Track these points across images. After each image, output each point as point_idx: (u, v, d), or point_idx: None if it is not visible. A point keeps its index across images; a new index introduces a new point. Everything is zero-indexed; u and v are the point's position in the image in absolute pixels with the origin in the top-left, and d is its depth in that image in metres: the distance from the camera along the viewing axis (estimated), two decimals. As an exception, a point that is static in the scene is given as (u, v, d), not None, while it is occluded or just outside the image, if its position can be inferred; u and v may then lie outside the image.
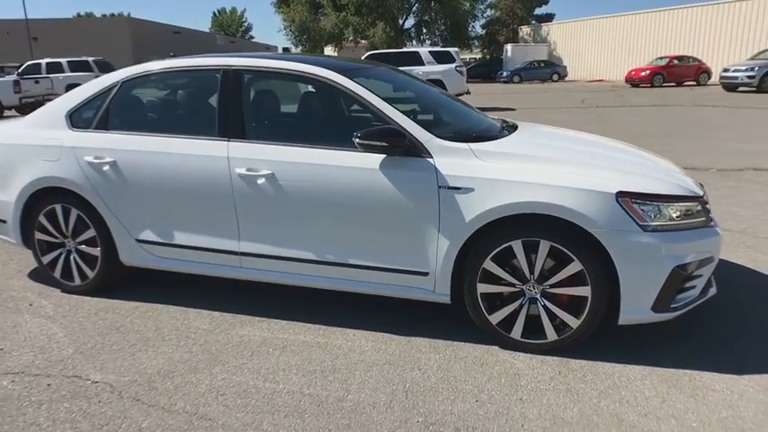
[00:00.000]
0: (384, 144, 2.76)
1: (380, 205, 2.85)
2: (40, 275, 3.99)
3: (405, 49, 20.79)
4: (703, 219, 2.73)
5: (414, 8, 43.58)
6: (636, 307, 2.62)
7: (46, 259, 3.65)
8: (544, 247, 2.64)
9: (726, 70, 21.75)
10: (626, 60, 33.61)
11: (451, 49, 17.08)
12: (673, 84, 26.88)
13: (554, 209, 2.58)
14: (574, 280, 2.65)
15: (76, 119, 3.51)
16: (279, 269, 3.15)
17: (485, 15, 49.48)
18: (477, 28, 49.71)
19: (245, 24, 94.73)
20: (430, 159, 2.79)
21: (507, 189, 2.65)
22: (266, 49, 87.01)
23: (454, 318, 3.13)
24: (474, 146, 2.84)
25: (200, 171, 3.13)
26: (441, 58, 16.83)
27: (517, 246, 2.68)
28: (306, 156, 2.98)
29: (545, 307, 2.73)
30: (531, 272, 2.71)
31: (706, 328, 3.00)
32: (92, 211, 3.43)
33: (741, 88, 21.09)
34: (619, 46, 35.53)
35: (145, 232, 3.36)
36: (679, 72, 26.97)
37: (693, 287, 2.71)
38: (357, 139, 2.80)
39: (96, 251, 3.51)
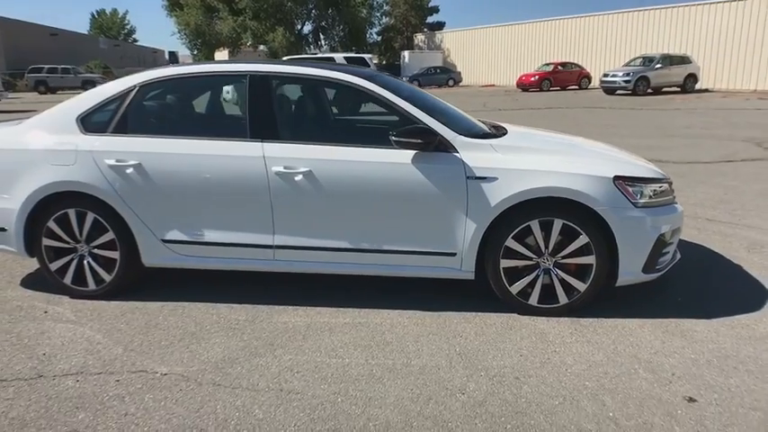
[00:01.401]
0: (419, 141, 3.13)
1: (412, 195, 3.20)
2: (35, 283, 3.89)
3: (320, 54, 21.03)
4: (671, 197, 3.38)
5: (312, 14, 43.78)
6: (630, 270, 3.20)
7: (54, 266, 3.58)
8: (557, 224, 3.14)
9: (606, 75, 24.31)
10: (515, 67, 36.21)
11: (366, 56, 17.69)
12: (558, 88, 29.45)
13: (566, 192, 3.09)
14: (581, 251, 3.18)
15: (89, 123, 3.50)
16: (314, 259, 3.39)
17: (381, 23, 50.92)
18: (374, 35, 51.03)
19: (128, 27, 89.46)
20: (456, 154, 3.20)
21: (526, 177, 3.12)
22: (153, 54, 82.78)
23: (473, 293, 3.55)
24: (492, 141, 3.29)
25: (235, 170, 3.29)
26: (355, 63, 17.33)
27: (534, 225, 3.16)
28: (341, 153, 3.26)
29: (557, 276, 3.24)
30: (546, 246, 3.20)
31: (677, 286, 3.66)
32: (111, 213, 3.44)
33: (619, 91, 23.70)
34: (508, 53, 38.18)
35: (172, 232, 3.44)
36: (563, 77, 29.62)
37: (668, 252, 3.35)
38: (393, 137, 3.14)
39: (115, 254, 3.51)
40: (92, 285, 3.58)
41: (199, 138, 3.40)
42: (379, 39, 52.74)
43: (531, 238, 3.21)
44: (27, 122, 3.67)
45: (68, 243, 3.55)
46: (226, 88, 4.07)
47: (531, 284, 3.27)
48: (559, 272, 3.23)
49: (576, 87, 29.86)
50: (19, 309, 3.50)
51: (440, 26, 56.41)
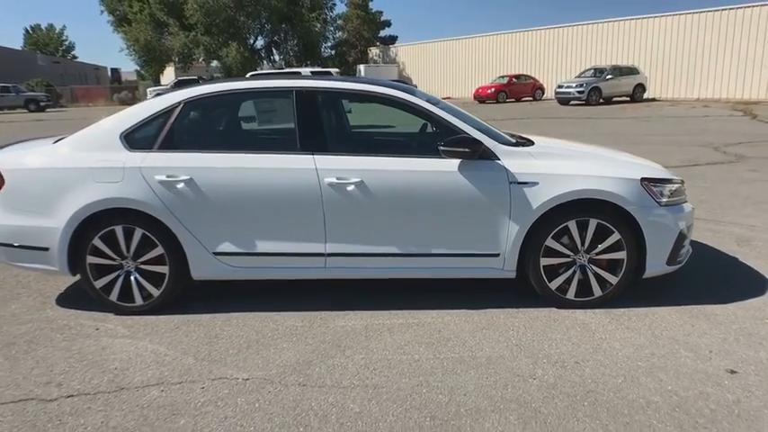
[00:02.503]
0: (466, 150, 3.37)
1: (458, 201, 3.43)
2: (72, 302, 3.89)
3: (287, 70, 21.07)
4: (684, 196, 3.74)
5: (265, 28, 43.69)
6: (656, 263, 3.52)
7: (99, 283, 3.60)
8: (592, 224, 3.44)
9: (560, 86, 25.39)
10: (471, 79, 37.22)
11: (332, 70, 17.87)
12: (513, 100, 30.48)
13: (601, 194, 3.39)
14: (613, 247, 3.48)
15: (133, 140, 3.56)
16: (364, 265, 3.56)
17: (334, 37, 51.32)
18: (328, 49, 51.31)
19: (66, 43, 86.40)
20: (499, 161, 3.45)
21: (564, 181, 3.40)
22: (95, 71, 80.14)
23: (508, 291, 3.80)
24: (530, 149, 3.56)
25: (287, 183, 3.43)
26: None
27: (572, 224, 3.44)
28: (390, 163, 3.45)
29: (592, 271, 3.52)
30: (582, 244, 3.49)
31: (688, 277, 4.02)
32: (160, 229, 3.50)
33: (573, 102, 24.80)
34: (464, 66, 39.22)
35: (223, 245, 3.53)
36: (518, 89, 30.69)
37: (686, 246, 3.70)
38: (442, 147, 3.36)
39: (163, 269, 3.57)
40: (139, 301, 3.62)
41: (248, 152, 3.52)
42: (333, 53, 53.09)
43: (566, 237, 3.49)
44: (66, 141, 3.69)
45: (114, 260, 3.58)
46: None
47: (568, 280, 3.54)
48: (594, 267, 3.52)
49: (531, 99, 30.99)
50: (67, 327, 3.50)
51: (392, 40, 57.21)
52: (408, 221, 3.47)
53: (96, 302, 3.66)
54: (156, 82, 46.49)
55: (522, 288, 3.73)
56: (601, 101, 24.45)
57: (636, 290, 3.71)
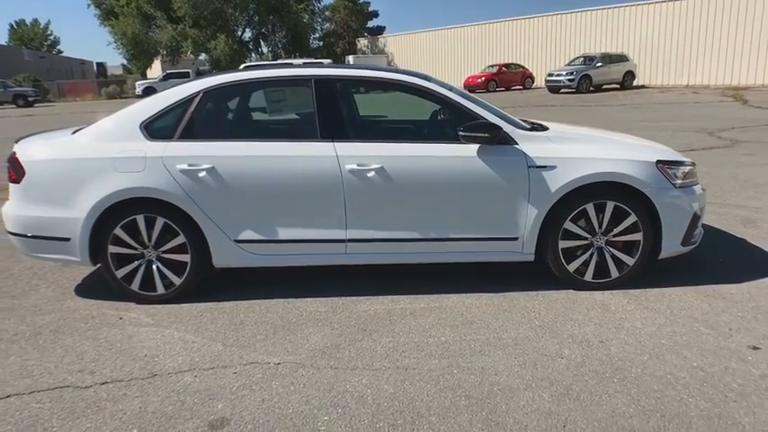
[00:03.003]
0: (486, 135, 3.40)
1: (478, 186, 3.47)
2: (92, 292, 3.90)
3: (279, 61, 20.93)
4: (696, 178, 3.81)
5: (254, 20, 43.33)
6: (671, 244, 3.59)
7: (120, 273, 3.61)
8: (610, 206, 3.49)
9: (550, 75, 25.48)
10: (461, 69, 37.19)
11: (324, 61, 17.78)
12: (503, 88, 30.53)
13: (619, 176, 3.44)
14: (629, 229, 3.54)
15: (153, 129, 3.56)
16: (385, 251, 3.59)
17: (322, 28, 51.04)
18: (315, 40, 51.03)
19: (51, 38, 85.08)
20: (517, 146, 3.49)
21: (582, 164, 3.45)
22: (81, 65, 79.01)
23: (525, 275, 3.85)
24: (546, 134, 3.60)
25: (308, 170, 3.45)
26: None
27: (590, 207, 3.50)
28: (410, 150, 3.49)
29: (609, 252, 3.59)
30: (600, 226, 3.54)
31: (699, 257, 4.10)
32: (182, 217, 3.51)
33: (563, 90, 24.90)
34: (453, 56, 39.19)
35: (245, 232, 3.54)
36: (508, 78, 30.74)
37: (698, 227, 3.77)
38: (462, 132, 3.40)
39: (185, 257, 3.58)
40: (161, 290, 3.63)
41: (268, 140, 3.54)
42: (321, 44, 52.81)
43: (583, 220, 3.55)
44: (85, 132, 3.68)
45: (136, 249, 3.59)
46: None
47: (586, 262, 3.60)
48: (611, 249, 3.59)
49: (521, 87, 31.06)
50: (91, 317, 3.51)
51: (380, 30, 57.01)
52: (428, 207, 3.51)
53: (116, 292, 3.67)
54: (143, 76, 46.01)
55: (537, 271, 3.79)
56: (591, 88, 24.58)
57: (650, 271, 3.79)
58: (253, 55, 46.12)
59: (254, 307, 3.56)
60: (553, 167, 3.45)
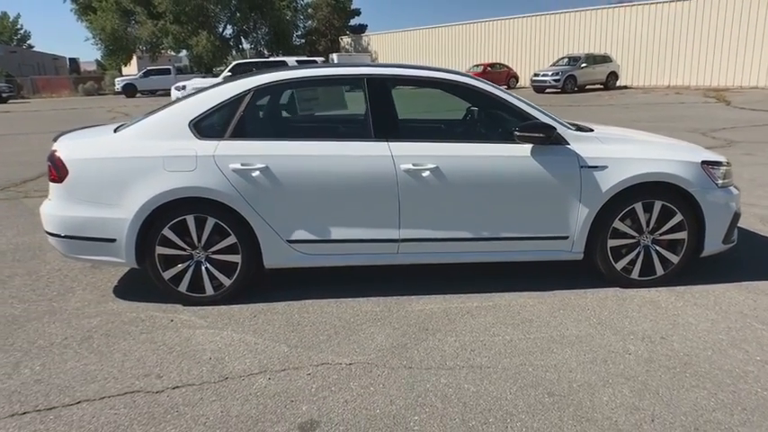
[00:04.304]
0: (541, 135, 3.44)
1: (531, 185, 3.51)
2: (132, 294, 3.83)
3: (272, 59, 20.72)
4: (732, 178, 3.91)
5: (236, 17, 42.82)
6: (714, 242, 3.68)
7: (168, 274, 3.55)
8: (657, 205, 3.57)
9: (536, 75, 25.79)
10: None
11: (317, 58, 17.68)
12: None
13: (667, 176, 3.52)
14: (675, 228, 3.62)
15: (203, 128, 3.51)
16: (436, 250, 3.61)
17: (305, 26, 50.73)
18: (297, 38, 50.65)
19: (21, 32, 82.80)
20: (569, 146, 3.54)
21: (632, 165, 3.52)
22: (54, 60, 77.07)
23: (569, 273, 3.91)
24: (595, 134, 3.66)
25: (363, 170, 3.44)
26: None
27: (638, 206, 3.57)
28: (464, 149, 3.51)
29: (656, 250, 3.66)
30: (647, 225, 3.62)
31: (727, 256, 4.21)
32: (234, 217, 3.47)
33: (548, 90, 25.22)
34: (437, 55, 39.34)
35: (298, 232, 3.52)
36: (493, 77, 30.82)
37: (737, 225, 3.88)
38: (517, 132, 3.43)
39: (236, 258, 3.55)
40: (209, 291, 3.59)
41: (322, 140, 3.52)
42: (304, 41, 52.47)
43: (630, 219, 3.62)
44: (131, 130, 3.61)
45: (184, 250, 3.54)
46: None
47: (632, 261, 3.68)
48: (657, 247, 3.66)
49: (506, 87, 31.14)
50: (139, 320, 3.45)
51: (362, 29, 56.93)
52: (481, 206, 3.54)
53: (158, 294, 3.62)
54: (120, 72, 45.07)
55: (577, 269, 3.85)
56: (575, 89, 24.94)
57: (689, 268, 3.88)
58: (234, 53, 45.60)
59: (307, 307, 3.54)
60: (604, 167, 3.51)
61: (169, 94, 19.87)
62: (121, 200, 3.43)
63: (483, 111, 4.07)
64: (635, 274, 3.69)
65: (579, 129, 3.82)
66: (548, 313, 3.38)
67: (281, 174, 3.43)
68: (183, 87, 16.14)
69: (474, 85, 3.64)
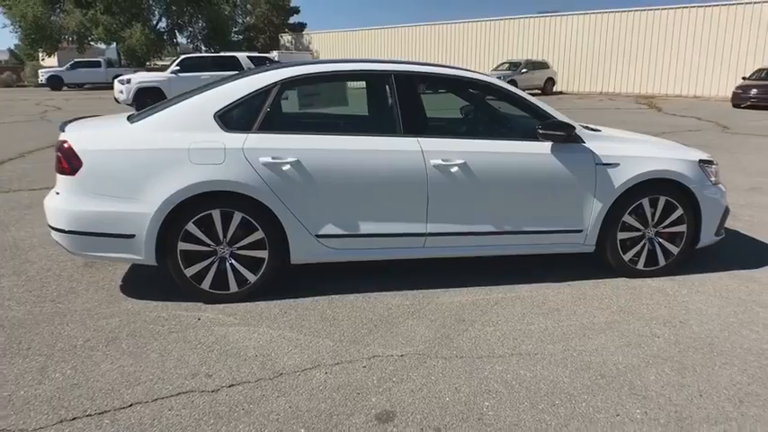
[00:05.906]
0: (562, 133, 3.62)
1: (551, 181, 3.67)
2: (146, 293, 3.68)
3: (222, 54, 20.05)
4: (719, 176, 4.26)
5: (172, 9, 41.19)
6: (708, 234, 4.00)
7: (190, 271, 3.44)
8: (662, 200, 3.84)
9: (480, 79, 26.42)
10: (387, 69, 37.63)
11: (270, 55, 17.39)
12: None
13: (672, 174, 3.79)
14: (675, 222, 3.91)
15: (229, 120, 3.43)
16: (461, 244, 3.70)
17: (243, 21, 49.58)
18: (235, 34, 49.43)
19: None
20: (585, 144, 3.74)
21: (642, 162, 3.76)
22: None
23: (567, 265, 4.12)
24: (606, 133, 3.88)
25: (393, 164, 3.48)
26: (259, 63, 17.05)
27: (645, 202, 3.82)
28: (490, 146, 3.62)
29: (659, 243, 3.93)
30: (652, 219, 3.88)
31: (715, 246, 4.56)
32: (262, 212, 3.41)
33: (492, 94, 25.94)
34: (377, 56, 39.57)
35: (327, 227, 3.51)
36: (436, 80, 31.50)
37: (726, 219, 4.22)
38: (540, 130, 3.59)
39: (262, 253, 3.49)
40: (234, 288, 3.51)
41: (351, 134, 3.53)
42: (242, 38, 51.25)
43: (635, 213, 3.86)
44: (150, 120, 3.46)
45: (208, 246, 3.44)
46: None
47: (638, 252, 3.93)
48: (660, 239, 3.93)
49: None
50: (162, 319, 3.33)
51: (301, 27, 56.32)
52: (504, 201, 3.66)
53: (169, 291, 3.54)
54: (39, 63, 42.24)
55: (579, 261, 4.06)
56: (518, 93, 25.78)
57: (685, 259, 4.19)
58: (168, 48, 43.87)
59: (336, 302, 3.54)
60: (617, 165, 3.73)
61: (99, 89, 18.69)
62: (143, 193, 3.29)
63: (464, 108, 4.20)
64: (641, 265, 3.94)
65: (591, 128, 4.04)
66: (571, 303, 3.55)
67: (312, 168, 3.41)
68: (128, 81, 15.39)
69: (499, 86, 3.79)
